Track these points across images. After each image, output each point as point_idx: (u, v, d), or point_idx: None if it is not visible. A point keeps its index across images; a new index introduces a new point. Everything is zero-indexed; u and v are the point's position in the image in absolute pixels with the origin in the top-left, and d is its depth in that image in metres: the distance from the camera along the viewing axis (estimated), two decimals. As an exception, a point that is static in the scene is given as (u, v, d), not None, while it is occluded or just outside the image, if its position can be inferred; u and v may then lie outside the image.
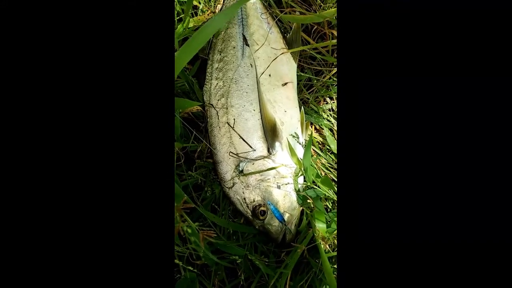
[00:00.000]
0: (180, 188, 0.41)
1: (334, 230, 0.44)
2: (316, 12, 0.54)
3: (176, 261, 0.38)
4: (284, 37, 0.57)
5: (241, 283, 0.47)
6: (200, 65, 0.55)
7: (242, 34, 0.55)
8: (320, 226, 0.42)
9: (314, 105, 0.59)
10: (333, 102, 0.60)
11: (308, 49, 0.57)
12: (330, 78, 0.59)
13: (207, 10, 0.55)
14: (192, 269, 0.41)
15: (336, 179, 0.53)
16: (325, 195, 0.47)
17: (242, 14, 0.56)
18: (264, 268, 0.44)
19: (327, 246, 0.41)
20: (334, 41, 0.56)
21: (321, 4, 0.54)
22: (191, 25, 0.50)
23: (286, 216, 0.49)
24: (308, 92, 0.60)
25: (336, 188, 0.48)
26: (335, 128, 0.56)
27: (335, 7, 0.52)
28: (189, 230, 0.35)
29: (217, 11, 0.57)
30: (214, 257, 0.41)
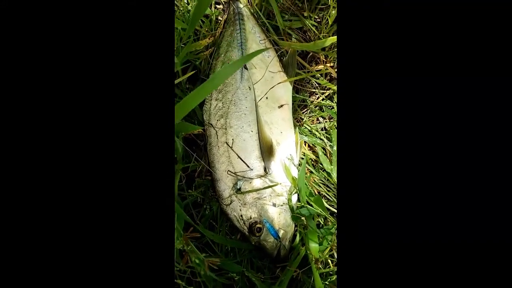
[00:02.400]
0: (181, 209, 0.43)
1: (326, 248, 0.46)
2: (311, 39, 0.57)
3: (178, 281, 0.40)
4: (281, 61, 0.60)
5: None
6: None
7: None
8: (313, 246, 0.45)
9: (307, 125, 0.62)
10: (325, 121, 0.63)
11: (304, 72, 0.60)
12: (323, 99, 0.62)
13: (208, 34, 0.57)
14: None
15: (327, 196, 0.56)
16: (317, 213, 0.50)
17: (241, 38, 0.58)
18: (260, 285, 0.47)
19: (319, 265, 0.44)
20: (328, 64, 0.60)
21: (315, 31, 0.57)
22: (192, 49, 0.52)
23: (281, 233, 0.52)
24: (302, 112, 0.63)
25: (325, 207, 0.51)
26: (328, 147, 0.60)
27: (329, 36, 0.55)
28: (197, 261, 0.37)
29: (217, 34, 0.59)
30: (213, 274, 0.43)
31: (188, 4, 0.58)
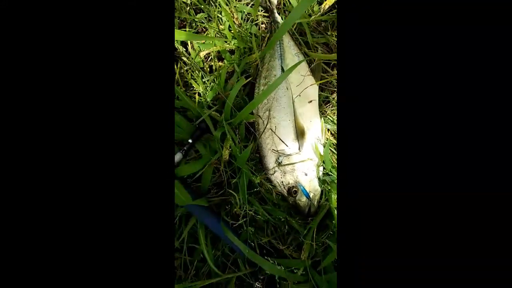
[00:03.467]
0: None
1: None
2: (333, 51, 0.76)
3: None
4: (309, 66, 0.79)
5: (282, 239, 0.70)
6: (250, 88, 0.78)
7: (281, 66, 0.77)
8: (333, 197, 0.64)
9: (330, 116, 0.81)
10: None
11: (327, 76, 0.79)
12: (342, 96, 0.81)
13: (258, 49, 0.77)
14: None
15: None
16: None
17: (280, 51, 0.78)
18: (298, 228, 0.67)
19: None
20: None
21: (335, 44, 0.76)
22: (247, 60, 0.72)
23: (311, 195, 0.71)
24: (326, 106, 0.82)
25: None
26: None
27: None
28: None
29: (263, 49, 0.79)
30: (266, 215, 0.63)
31: (242, 25, 0.78)
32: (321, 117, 0.77)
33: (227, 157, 0.66)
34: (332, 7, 0.74)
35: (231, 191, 0.66)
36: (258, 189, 0.64)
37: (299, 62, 0.65)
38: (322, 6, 0.74)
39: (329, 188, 0.70)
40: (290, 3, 0.79)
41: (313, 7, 0.74)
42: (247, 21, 0.78)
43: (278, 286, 0.61)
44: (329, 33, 0.75)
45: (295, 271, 0.61)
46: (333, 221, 0.65)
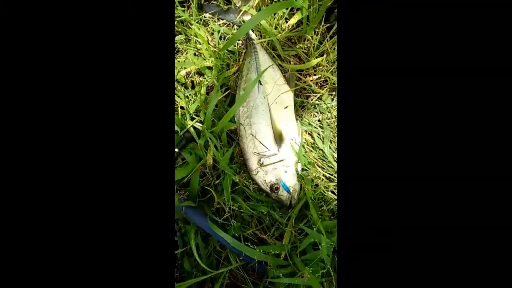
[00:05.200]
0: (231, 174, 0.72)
1: (317, 191, 0.74)
2: (303, 62, 0.86)
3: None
4: (284, 76, 0.88)
5: (267, 231, 0.78)
6: (231, 99, 0.88)
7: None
8: (308, 189, 0.72)
9: (306, 119, 0.90)
10: (319, 115, 0.90)
11: (301, 83, 0.88)
12: (316, 100, 0.90)
13: (235, 64, 0.87)
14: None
15: (322, 165, 0.84)
16: (314, 175, 0.78)
17: (256, 64, 0.87)
18: (279, 219, 0.75)
19: (314, 201, 0.71)
20: (316, 76, 0.88)
21: (305, 56, 0.86)
22: (226, 75, 0.82)
23: (291, 190, 0.79)
24: (302, 110, 0.91)
25: (316, 169, 0.78)
26: (320, 133, 0.87)
27: (315, 58, 0.84)
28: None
29: (240, 63, 0.89)
30: (249, 210, 0.72)
31: (218, 44, 0.88)
32: (297, 120, 0.86)
33: (211, 162, 0.75)
34: (298, 24, 0.84)
35: (210, 189, 0.74)
36: (239, 186, 0.73)
37: (268, 67, 0.75)
38: (289, 23, 0.84)
39: (305, 182, 0.78)
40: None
41: (282, 25, 0.84)
42: (223, 39, 0.88)
43: (267, 273, 0.69)
44: (297, 46, 0.85)
45: (276, 257, 0.69)
46: (310, 211, 0.73)
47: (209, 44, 0.83)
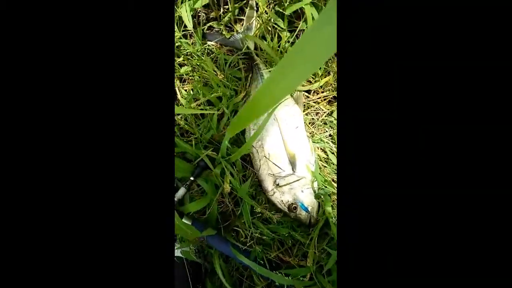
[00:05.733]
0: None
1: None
2: (311, 82, 0.87)
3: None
4: (292, 96, 0.90)
5: (289, 251, 0.79)
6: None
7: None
8: (328, 209, 0.73)
9: (317, 135, 0.91)
10: (330, 130, 0.91)
11: (310, 102, 0.90)
12: (325, 116, 0.91)
13: (242, 89, 0.89)
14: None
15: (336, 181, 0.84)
16: (331, 192, 0.78)
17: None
18: (301, 238, 0.76)
19: (334, 220, 0.72)
20: (323, 94, 0.89)
21: (313, 77, 0.87)
22: (235, 101, 0.84)
23: (309, 208, 0.80)
24: (312, 126, 0.92)
25: (334, 186, 0.79)
26: (333, 148, 0.88)
27: (322, 79, 0.85)
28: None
29: (247, 87, 0.91)
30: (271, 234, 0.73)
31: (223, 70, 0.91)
32: (309, 138, 0.87)
33: (229, 189, 0.76)
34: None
35: (229, 215, 0.75)
36: (259, 214, 0.74)
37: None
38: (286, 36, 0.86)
39: (323, 200, 0.79)
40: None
41: (287, 48, 0.86)
42: (229, 66, 0.90)
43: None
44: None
45: (303, 279, 0.69)
46: (330, 230, 0.74)
47: (216, 75, 0.85)
